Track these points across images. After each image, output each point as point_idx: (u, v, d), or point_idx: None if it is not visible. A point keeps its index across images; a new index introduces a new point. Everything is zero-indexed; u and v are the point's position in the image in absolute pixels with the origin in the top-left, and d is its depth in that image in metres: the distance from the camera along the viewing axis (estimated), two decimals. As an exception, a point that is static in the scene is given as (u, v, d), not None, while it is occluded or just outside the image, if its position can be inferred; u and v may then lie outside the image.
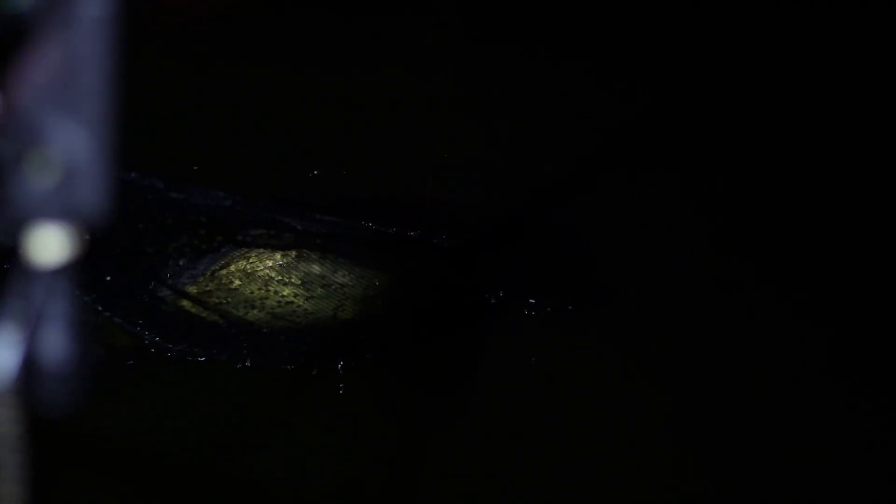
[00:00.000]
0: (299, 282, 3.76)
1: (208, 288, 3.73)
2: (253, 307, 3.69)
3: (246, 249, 3.84)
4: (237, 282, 3.76)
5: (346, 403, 3.43)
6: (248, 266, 3.78)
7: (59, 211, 0.88)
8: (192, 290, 3.72)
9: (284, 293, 3.73)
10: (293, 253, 3.83)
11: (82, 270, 0.89)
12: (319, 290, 3.73)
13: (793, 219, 4.12)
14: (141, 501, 3.22)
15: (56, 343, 0.90)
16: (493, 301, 3.72)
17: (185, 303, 3.68)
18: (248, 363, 3.48)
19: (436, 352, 3.61)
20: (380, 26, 5.01)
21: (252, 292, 3.74)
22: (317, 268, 3.79)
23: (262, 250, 3.83)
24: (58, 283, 0.89)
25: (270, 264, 3.78)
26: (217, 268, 3.79)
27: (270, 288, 3.75)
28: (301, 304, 3.71)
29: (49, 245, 0.89)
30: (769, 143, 4.47)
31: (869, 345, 3.65)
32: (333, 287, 3.74)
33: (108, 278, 3.62)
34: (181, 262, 3.78)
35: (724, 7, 5.07)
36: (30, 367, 0.90)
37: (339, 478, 3.26)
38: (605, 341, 3.62)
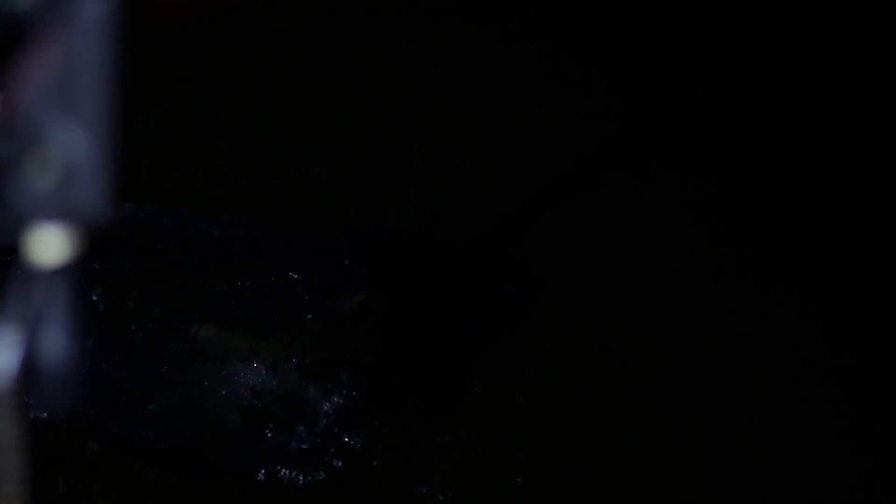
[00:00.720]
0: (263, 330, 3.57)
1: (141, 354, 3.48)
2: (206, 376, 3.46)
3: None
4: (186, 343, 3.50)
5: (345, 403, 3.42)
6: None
7: (59, 211, 0.88)
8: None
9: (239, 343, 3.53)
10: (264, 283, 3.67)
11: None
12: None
13: (794, 219, 4.12)
14: (141, 501, 3.22)
15: (56, 343, 0.90)
16: (491, 303, 3.72)
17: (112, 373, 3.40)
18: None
19: (435, 353, 3.61)
20: (378, 26, 5.01)
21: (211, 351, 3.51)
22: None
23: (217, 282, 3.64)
24: (58, 283, 0.89)
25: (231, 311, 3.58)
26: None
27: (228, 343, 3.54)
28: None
29: (49, 245, 0.89)
30: (771, 143, 4.47)
31: (870, 345, 3.65)
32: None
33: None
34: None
35: (725, 7, 5.07)
36: (30, 367, 0.90)
37: (339, 477, 3.26)
38: (605, 341, 3.62)
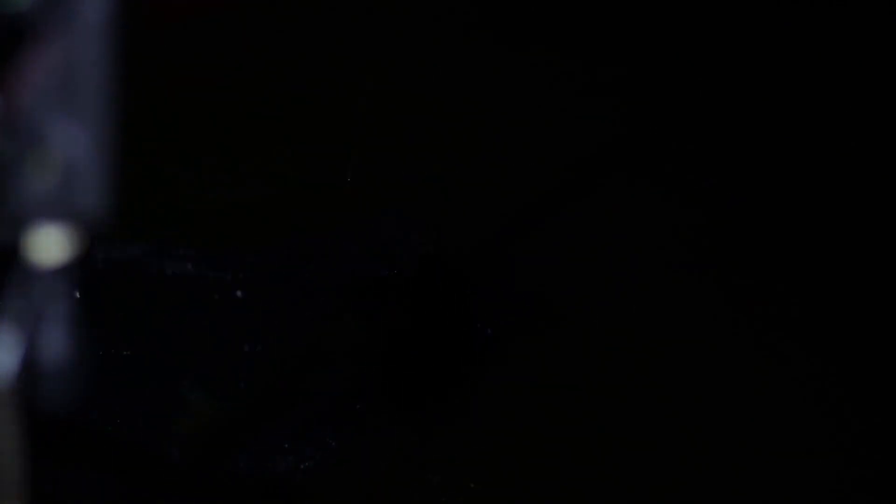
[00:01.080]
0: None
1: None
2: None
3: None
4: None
5: (345, 403, 3.42)
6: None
7: (59, 211, 0.88)
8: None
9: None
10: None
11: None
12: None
13: (794, 219, 4.12)
14: (140, 501, 3.22)
15: (56, 343, 0.90)
16: (491, 304, 3.72)
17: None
18: None
19: (435, 353, 3.61)
20: (378, 26, 5.01)
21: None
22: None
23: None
24: (58, 283, 0.89)
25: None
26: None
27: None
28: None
29: (49, 245, 0.89)
30: (771, 143, 4.46)
31: (871, 345, 3.65)
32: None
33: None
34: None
35: (725, 8, 5.07)
36: (30, 367, 0.90)
37: (339, 477, 3.26)
38: (605, 341, 3.62)
